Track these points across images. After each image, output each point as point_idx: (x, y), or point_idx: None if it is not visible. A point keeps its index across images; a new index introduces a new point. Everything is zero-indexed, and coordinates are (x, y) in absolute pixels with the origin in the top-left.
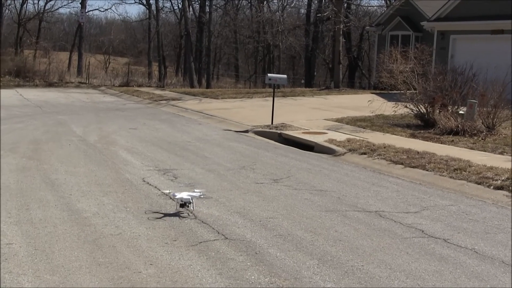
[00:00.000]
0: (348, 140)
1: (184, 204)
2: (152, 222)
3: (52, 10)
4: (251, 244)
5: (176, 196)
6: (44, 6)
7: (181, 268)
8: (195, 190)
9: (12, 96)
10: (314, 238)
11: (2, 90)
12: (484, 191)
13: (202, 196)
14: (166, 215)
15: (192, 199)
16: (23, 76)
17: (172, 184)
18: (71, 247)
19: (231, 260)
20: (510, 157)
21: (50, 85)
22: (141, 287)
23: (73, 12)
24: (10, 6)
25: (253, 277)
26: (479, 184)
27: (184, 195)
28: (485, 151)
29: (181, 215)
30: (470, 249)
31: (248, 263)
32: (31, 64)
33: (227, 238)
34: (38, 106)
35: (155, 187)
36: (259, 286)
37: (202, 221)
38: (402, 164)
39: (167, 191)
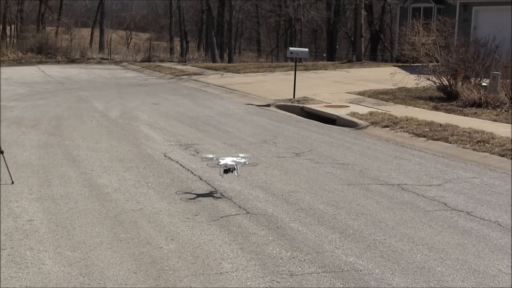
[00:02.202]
0: (371, 113)
1: (228, 170)
2: (173, 197)
3: None
4: (273, 219)
5: (220, 161)
6: None
7: (202, 243)
8: (240, 155)
9: (34, 72)
10: (336, 212)
11: (25, 67)
12: (507, 163)
13: (247, 163)
14: (199, 195)
15: (236, 166)
16: (45, 53)
17: (193, 159)
18: (92, 223)
19: (253, 234)
20: None
21: (72, 61)
22: (162, 263)
23: None
24: None
25: (274, 251)
26: (502, 156)
27: (228, 160)
28: (508, 123)
29: (214, 195)
30: (494, 221)
31: (270, 238)
32: (53, 40)
33: (248, 212)
34: (60, 83)
35: (177, 162)
36: (281, 261)
37: (224, 196)
38: (424, 136)
39: (210, 156)
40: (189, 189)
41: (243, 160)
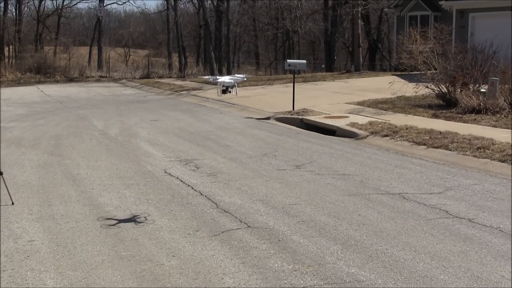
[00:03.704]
0: (370, 123)
1: (226, 89)
2: (174, 213)
3: (71, 5)
4: (274, 232)
5: (218, 79)
6: (63, 2)
7: (203, 259)
8: (236, 75)
9: (33, 92)
10: (337, 223)
11: (23, 87)
12: (508, 169)
13: (245, 79)
14: (120, 221)
15: (235, 83)
16: (44, 73)
17: (194, 174)
18: (93, 241)
19: (254, 248)
20: None
21: (70, 80)
22: (163, 279)
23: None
24: (29, 4)
25: (276, 264)
26: (503, 162)
27: (226, 79)
28: (508, 128)
29: (137, 219)
30: (496, 228)
31: (271, 251)
32: (52, 60)
33: (249, 226)
34: (59, 102)
35: (177, 177)
36: (283, 274)
37: (225, 210)
38: (424, 144)
39: (207, 77)
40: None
41: (242, 76)
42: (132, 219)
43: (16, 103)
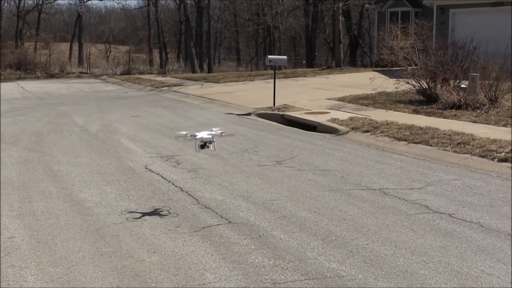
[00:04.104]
0: (351, 119)
1: (204, 144)
2: (155, 209)
3: (51, 1)
4: (255, 227)
5: (196, 136)
6: None
7: (184, 255)
8: (213, 129)
9: (13, 89)
10: (318, 219)
11: (3, 84)
12: (488, 164)
13: (223, 134)
14: (144, 214)
15: (213, 138)
16: (24, 69)
17: (174, 170)
18: (74, 238)
19: (235, 244)
20: None
21: (51, 76)
22: (144, 275)
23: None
24: None
25: (257, 260)
26: (483, 157)
27: (204, 134)
28: (488, 124)
29: (160, 213)
30: (476, 223)
31: (252, 247)
32: (32, 56)
33: (230, 222)
34: (39, 98)
35: (158, 174)
36: (264, 269)
37: (205, 206)
38: (405, 140)
39: (184, 132)
40: (169, 200)
41: (219, 132)
42: (156, 212)
43: None
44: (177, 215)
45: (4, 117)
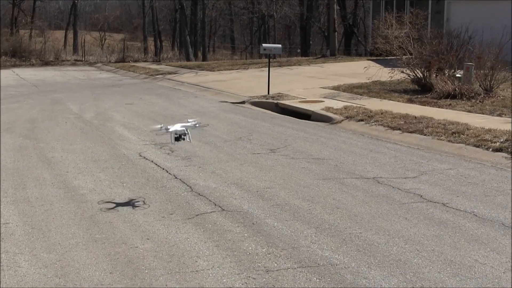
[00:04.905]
0: (345, 108)
1: (179, 137)
2: (149, 197)
3: None
4: (248, 215)
5: (169, 129)
6: None
7: (178, 242)
8: (189, 120)
9: (8, 76)
10: (311, 207)
11: None
12: (483, 154)
13: (197, 125)
14: (118, 205)
15: (187, 130)
16: (19, 56)
17: (168, 158)
18: (67, 224)
19: (228, 231)
20: (508, 118)
21: (46, 64)
22: (137, 262)
23: None
24: None
25: (250, 248)
26: (477, 146)
27: (177, 127)
28: (483, 113)
29: (135, 203)
30: (469, 212)
31: (245, 234)
32: (27, 43)
33: (224, 209)
34: (34, 85)
35: (152, 161)
36: (257, 257)
37: (199, 194)
38: (399, 129)
39: (158, 126)
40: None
41: (193, 123)
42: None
43: None
44: (149, 206)
45: None
